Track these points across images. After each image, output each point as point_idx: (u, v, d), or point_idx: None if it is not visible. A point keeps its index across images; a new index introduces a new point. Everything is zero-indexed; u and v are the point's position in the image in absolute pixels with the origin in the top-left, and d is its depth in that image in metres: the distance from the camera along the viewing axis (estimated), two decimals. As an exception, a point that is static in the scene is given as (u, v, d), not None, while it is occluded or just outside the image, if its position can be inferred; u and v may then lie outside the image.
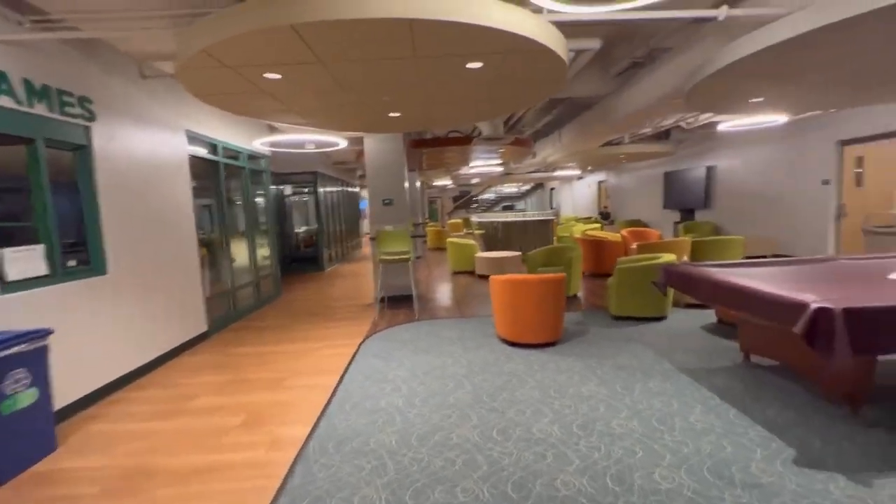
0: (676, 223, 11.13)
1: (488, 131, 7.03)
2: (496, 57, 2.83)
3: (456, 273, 8.55)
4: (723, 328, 4.29)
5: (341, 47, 2.55)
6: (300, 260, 10.28)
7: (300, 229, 10.74)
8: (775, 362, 3.32)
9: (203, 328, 4.86)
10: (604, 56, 5.35)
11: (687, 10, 3.10)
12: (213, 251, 5.41)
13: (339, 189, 12.40)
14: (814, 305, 2.17)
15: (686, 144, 10.51)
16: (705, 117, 6.75)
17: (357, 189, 15.85)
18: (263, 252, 6.76)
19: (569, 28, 3.04)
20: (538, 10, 2.92)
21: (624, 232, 8.84)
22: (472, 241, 8.52)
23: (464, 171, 12.10)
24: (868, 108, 6.30)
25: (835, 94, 4.70)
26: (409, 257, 5.64)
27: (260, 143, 6.06)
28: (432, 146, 7.29)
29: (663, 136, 9.96)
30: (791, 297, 2.34)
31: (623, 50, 5.22)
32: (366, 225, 19.51)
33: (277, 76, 2.96)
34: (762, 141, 8.67)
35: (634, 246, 7.11)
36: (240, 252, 6.04)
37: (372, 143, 6.15)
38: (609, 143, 9.39)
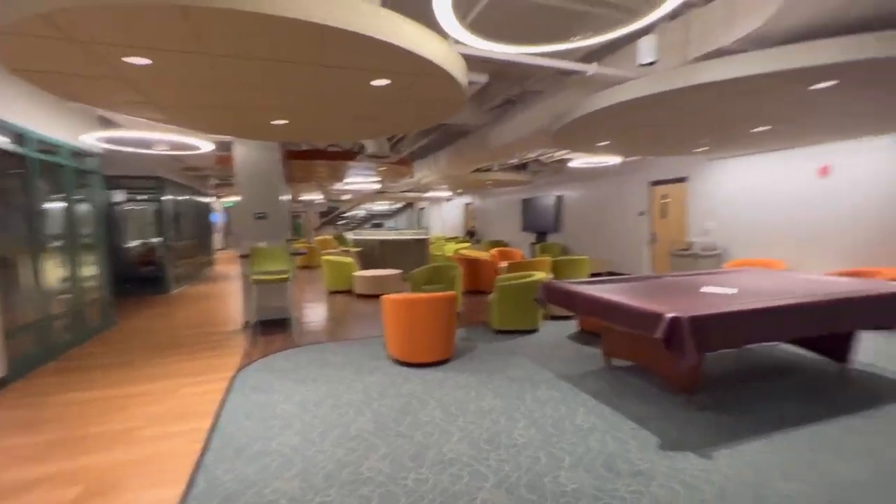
0: (532, 244, 12.55)
1: (373, 149, 6.96)
2: (404, 77, 2.85)
3: (332, 293, 8.13)
4: (584, 336, 4.93)
5: (238, 41, 2.26)
6: (136, 280, 8.57)
7: (135, 243, 9.00)
8: (630, 363, 3.95)
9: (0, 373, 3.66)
10: (481, 91, 5.82)
11: (566, 60, 3.58)
12: (15, 270, 4.15)
13: (188, 198, 10.79)
14: (668, 315, 2.66)
15: (541, 175, 12.00)
16: (560, 154, 7.83)
17: (209, 199, 14.00)
18: (89, 271, 5.45)
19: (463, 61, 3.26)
20: (444, 36, 3.04)
21: (493, 251, 9.59)
22: (350, 259, 8.22)
23: (338, 186, 11.70)
24: (670, 157, 8.11)
25: (653, 145, 5.95)
26: (288, 277, 5.19)
27: (95, 139, 4.92)
28: (312, 159, 6.88)
29: (522, 167, 11.21)
30: (650, 310, 2.82)
31: (499, 87, 5.76)
32: (218, 240, 17.31)
33: (145, 62, 2.48)
34: (598, 177, 10.42)
35: (505, 264, 7.76)
36: (55, 271, 4.76)
37: (244, 150, 5.53)
38: (478, 170, 10.16)
